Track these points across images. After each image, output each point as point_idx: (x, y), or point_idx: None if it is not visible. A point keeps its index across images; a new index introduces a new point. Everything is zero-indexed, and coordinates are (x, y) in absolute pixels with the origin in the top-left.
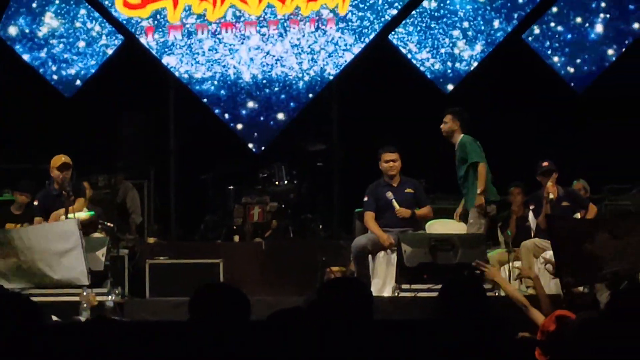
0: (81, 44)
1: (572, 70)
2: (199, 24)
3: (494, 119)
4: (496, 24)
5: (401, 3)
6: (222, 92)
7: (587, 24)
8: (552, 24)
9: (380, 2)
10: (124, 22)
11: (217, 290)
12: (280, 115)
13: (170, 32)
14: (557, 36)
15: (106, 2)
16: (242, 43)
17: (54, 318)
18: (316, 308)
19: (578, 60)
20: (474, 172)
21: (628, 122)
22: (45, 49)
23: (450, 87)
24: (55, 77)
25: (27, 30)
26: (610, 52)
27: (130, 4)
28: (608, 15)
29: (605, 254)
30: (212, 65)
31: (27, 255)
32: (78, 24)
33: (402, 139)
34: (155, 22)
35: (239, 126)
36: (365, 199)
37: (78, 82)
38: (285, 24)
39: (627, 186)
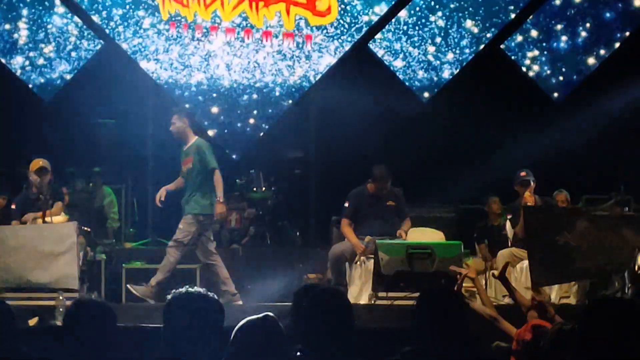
0: (58, 48)
1: (551, 79)
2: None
3: (471, 127)
4: (475, 31)
5: (379, 12)
6: (200, 97)
7: (567, 33)
8: (532, 33)
9: (358, 10)
10: (104, 26)
11: (191, 297)
12: (258, 122)
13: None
14: (537, 45)
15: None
16: (221, 49)
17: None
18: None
19: (556, 70)
20: (210, 178)
21: (606, 131)
22: (24, 54)
23: (427, 95)
24: (34, 81)
25: (4, 34)
26: (590, 61)
27: None
28: (588, 25)
29: (582, 244)
30: (191, 71)
31: (18, 255)
32: (55, 29)
33: (379, 147)
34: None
35: (217, 132)
36: (346, 204)
37: (56, 86)
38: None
39: (604, 197)
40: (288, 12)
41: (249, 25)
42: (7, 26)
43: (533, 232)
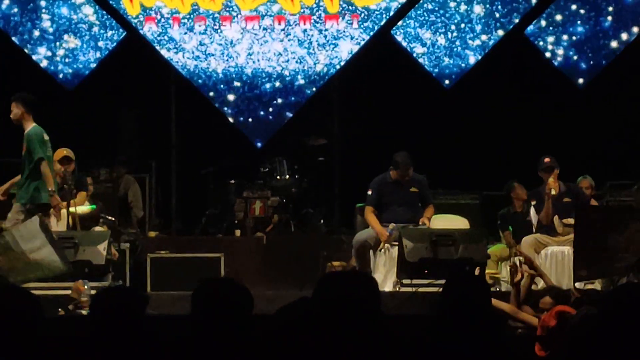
0: (82, 37)
1: (575, 65)
2: (199, 16)
3: (494, 114)
4: (497, 16)
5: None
6: (222, 86)
7: (590, 17)
8: (557, 17)
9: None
10: (128, 17)
11: (221, 285)
12: (282, 110)
13: (174, 23)
14: (559, 30)
15: None
16: (243, 37)
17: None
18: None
19: (580, 55)
20: (37, 168)
21: (630, 117)
22: (48, 44)
23: (447, 82)
24: (57, 71)
25: (27, 25)
26: (614, 45)
27: None
28: (611, 8)
29: (631, 244)
30: (213, 59)
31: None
32: (78, 18)
33: (402, 134)
34: (158, 14)
35: (241, 120)
36: (369, 192)
37: (80, 76)
38: (287, 19)
39: (629, 182)
40: None
41: (279, 12)
42: (30, 17)
43: (584, 230)
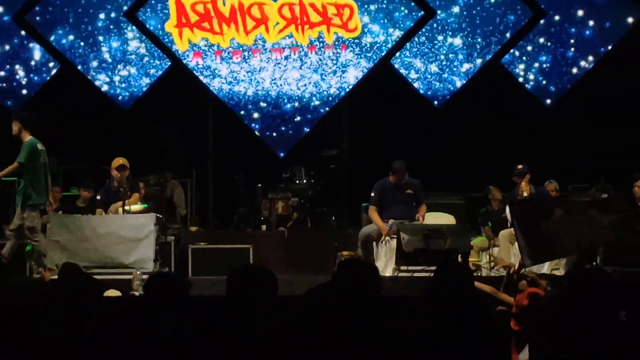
0: (137, 66)
1: (543, 88)
2: (235, 49)
3: (477, 129)
4: (480, 48)
5: (392, 33)
6: (251, 106)
7: (556, 48)
8: (528, 48)
9: (376, 32)
10: (177, 52)
11: (251, 270)
12: (300, 126)
13: (217, 56)
14: (530, 59)
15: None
16: (268, 65)
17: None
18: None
19: (547, 80)
20: (37, 173)
21: (590, 130)
22: (105, 72)
23: (437, 102)
24: (115, 93)
25: (90, 56)
26: (575, 70)
27: (183, 23)
28: (572, 41)
29: (560, 228)
30: (244, 84)
31: (105, 239)
32: (131, 50)
33: (400, 145)
34: (201, 49)
35: (266, 135)
36: (372, 194)
37: (134, 98)
38: (300, 49)
39: (587, 185)
40: (328, 30)
41: (293, 44)
42: (91, 49)
43: (518, 222)
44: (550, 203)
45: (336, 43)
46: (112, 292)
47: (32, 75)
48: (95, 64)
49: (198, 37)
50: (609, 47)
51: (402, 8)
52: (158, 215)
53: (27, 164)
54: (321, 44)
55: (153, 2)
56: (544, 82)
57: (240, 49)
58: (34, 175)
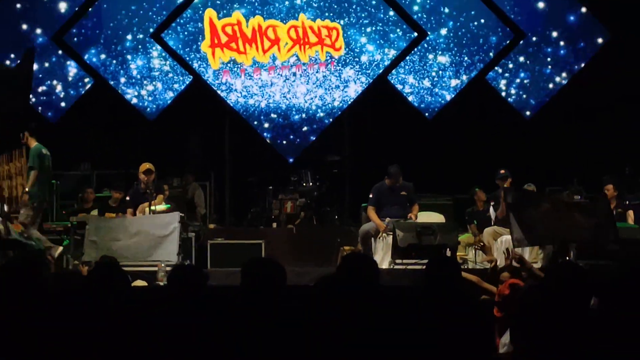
0: (162, 81)
1: (523, 101)
2: (256, 67)
3: (464, 137)
4: (466, 66)
5: (387, 52)
6: (263, 117)
7: (535, 66)
8: (510, 66)
9: (371, 50)
10: (199, 69)
11: (261, 262)
12: (307, 135)
13: (242, 74)
14: (511, 75)
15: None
16: (279, 81)
17: (142, 282)
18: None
19: (527, 94)
20: (41, 174)
21: (565, 140)
22: (133, 86)
23: (428, 114)
24: (143, 105)
25: (120, 73)
26: (551, 86)
27: (215, 44)
28: (549, 59)
29: (543, 219)
30: (257, 97)
31: (138, 238)
32: (156, 67)
33: (395, 152)
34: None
35: (277, 142)
36: (371, 195)
37: (159, 109)
38: (304, 68)
39: (560, 188)
40: (322, 49)
41: (297, 62)
42: (121, 67)
43: (511, 206)
44: (540, 196)
45: (327, 60)
46: (139, 283)
47: (69, 89)
48: (124, 79)
49: (227, 57)
50: (582, 65)
51: (397, 30)
52: (180, 214)
53: (35, 168)
54: (316, 61)
55: (174, 25)
56: (524, 96)
57: (259, 66)
58: (39, 177)
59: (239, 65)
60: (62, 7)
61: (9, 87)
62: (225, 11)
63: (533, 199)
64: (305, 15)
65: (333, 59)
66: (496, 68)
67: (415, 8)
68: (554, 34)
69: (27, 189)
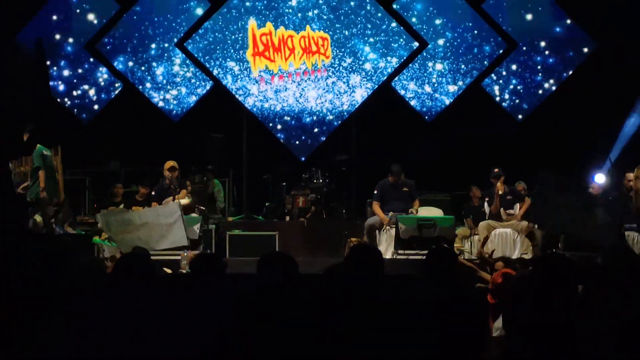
0: (186, 85)
1: (515, 105)
2: (281, 74)
3: (461, 138)
4: (463, 73)
5: (390, 60)
6: (277, 119)
7: (526, 74)
8: (503, 73)
9: (374, 58)
10: (215, 73)
11: (276, 255)
12: (317, 136)
13: (272, 81)
14: (505, 82)
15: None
16: (292, 86)
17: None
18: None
19: (518, 99)
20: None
21: (551, 141)
22: (158, 91)
23: (428, 117)
24: (168, 108)
25: (147, 78)
26: (540, 92)
27: (255, 52)
28: (539, 67)
29: (569, 210)
30: (272, 101)
31: (145, 229)
32: (180, 74)
33: (398, 152)
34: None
35: (290, 142)
36: (375, 191)
37: (183, 111)
38: (318, 75)
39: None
40: (319, 57)
41: (306, 69)
42: (148, 72)
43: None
44: (569, 187)
45: (322, 67)
46: (165, 270)
47: (100, 93)
48: (150, 84)
49: (263, 64)
50: (570, 72)
51: (400, 40)
52: (201, 207)
53: (41, 167)
54: (314, 68)
55: (194, 35)
56: (517, 100)
57: (282, 73)
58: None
59: (270, 73)
60: (91, 17)
61: (28, 79)
62: (259, 22)
63: (562, 188)
64: (310, 27)
65: (325, 66)
66: (491, 75)
67: (414, 20)
68: (542, 43)
69: (41, 187)
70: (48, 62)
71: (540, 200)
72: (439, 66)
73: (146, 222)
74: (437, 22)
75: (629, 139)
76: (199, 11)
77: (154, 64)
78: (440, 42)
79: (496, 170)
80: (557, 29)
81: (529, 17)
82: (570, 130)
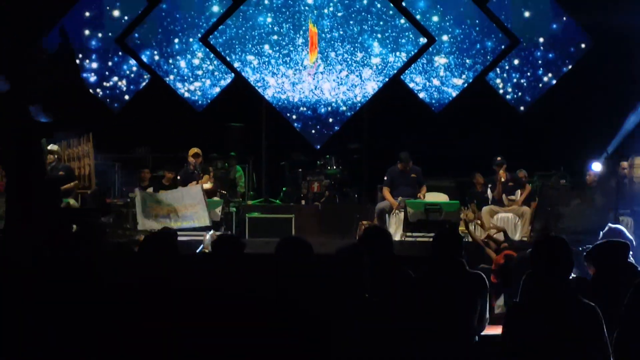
0: (210, 77)
1: (517, 98)
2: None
3: (466, 128)
4: (469, 67)
5: (399, 55)
6: (294, 109)
7: (527, 68)
8: (506, 67)
9: (384, 53)
10: (236, 66)
11: (292, 240)
12: (331, 125)
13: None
14: (507, 76)
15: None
16: (308, 78)
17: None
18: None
19: (520, 92)
20: None
21: (551, 131)
22: (183, 82)
23: (435, 108)
24: (193, 99)
25: (174, 71)
26: (541, 85)
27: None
28: (540, 62)
29: (575, 213)
30: (289, 92)
31: (171, 209)
32: (203, 68)
33: (408, 141)
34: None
35: (306, 131)
36: (385, 177)
37: (206, 101)
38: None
39: (550, 173)
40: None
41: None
42: (174, 65)
43: (543, 201)
44: (571, 193)
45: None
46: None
47: (130, 85)
48: (175, 77)
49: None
50: (569, 67)
51: (409, 35)
52: (223, 192)
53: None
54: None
55: (215, 32)
56: (519, 93)
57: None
58: None
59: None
60: (117, 14)
61: (57, 66)
62: (278, 19)
63: (564, 197)
64: (323, 23)
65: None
66: (495, 69)
67: (418, 17)
68: (540, 39)
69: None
70: (79, 56)
71: (542, 209)
72: (444, 61)
73: (171, 203)
74: (440, 19)
75: (627, 134)
76: (216, 9)
77: (178, 57)
78: (444, 38)
79: (499, 158)
80: (554, 26)
81: (527, 14)
82: (570, 123)
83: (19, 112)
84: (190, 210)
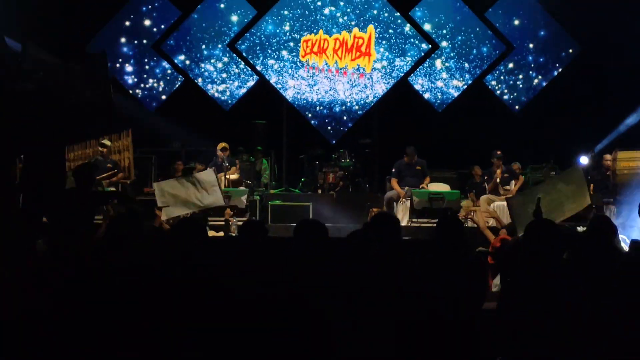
0: (237, 79)
1: (512, 98)
2: (329, 69)
3: (466, 124)
4: (468, 70)
5: (404, 59)
6: (312, 108)
7: (522, 71)
8: (502, 70)
9: (392, 57)
10: (259, 69)
11: (309, 222)
12: (345, 122)
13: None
14: (504, 78)
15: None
16: (325, 80)
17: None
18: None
19: (515, 93)
20: None
21: (543, 128)
22: (212, 83)
23: (438, 106)
24: (222, 99)
25: (204, 74)
26: (533, 86)
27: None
28: (533, 65)
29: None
30: (307, 93)
31: (189, 191)
32: (230, 70)
33: (413, 136)
34: (269, 71)
35: (322, 128)
36: (393, 170)
37: (233, 100)
38: (347, 71)
39: (541, 165)
40: (364, 60)
41: (338, 68)
42: (204, 69)
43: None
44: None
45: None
46: (216, 234)
47: (165, 86)
48: (204, 79)
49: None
50: (560, 70)
51: (414, 41)
52: (248, 182)
53: None
54: (358, 70)
55: (243, 37)
56: (515, 94)
57: (330, 68)
58: None
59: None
60: (147, 23)
61: (90, 80)
62: (296, 27)
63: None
64: (348, 30)
65: (361, 69)
66: (493, 72)
67: (424, 26)
68: (530, 45)
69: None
70: (119, 61)
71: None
72: (446, 64)
73: (189, 187)
74: (442, 27)
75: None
76: (235, 18)
77: (208, 61)
78: (444, 44)
79: (498, 152)
80: (542, 33)
81: (516, 22)
82: (558, 117)
83: (45, 113)
84: (205, 191)
